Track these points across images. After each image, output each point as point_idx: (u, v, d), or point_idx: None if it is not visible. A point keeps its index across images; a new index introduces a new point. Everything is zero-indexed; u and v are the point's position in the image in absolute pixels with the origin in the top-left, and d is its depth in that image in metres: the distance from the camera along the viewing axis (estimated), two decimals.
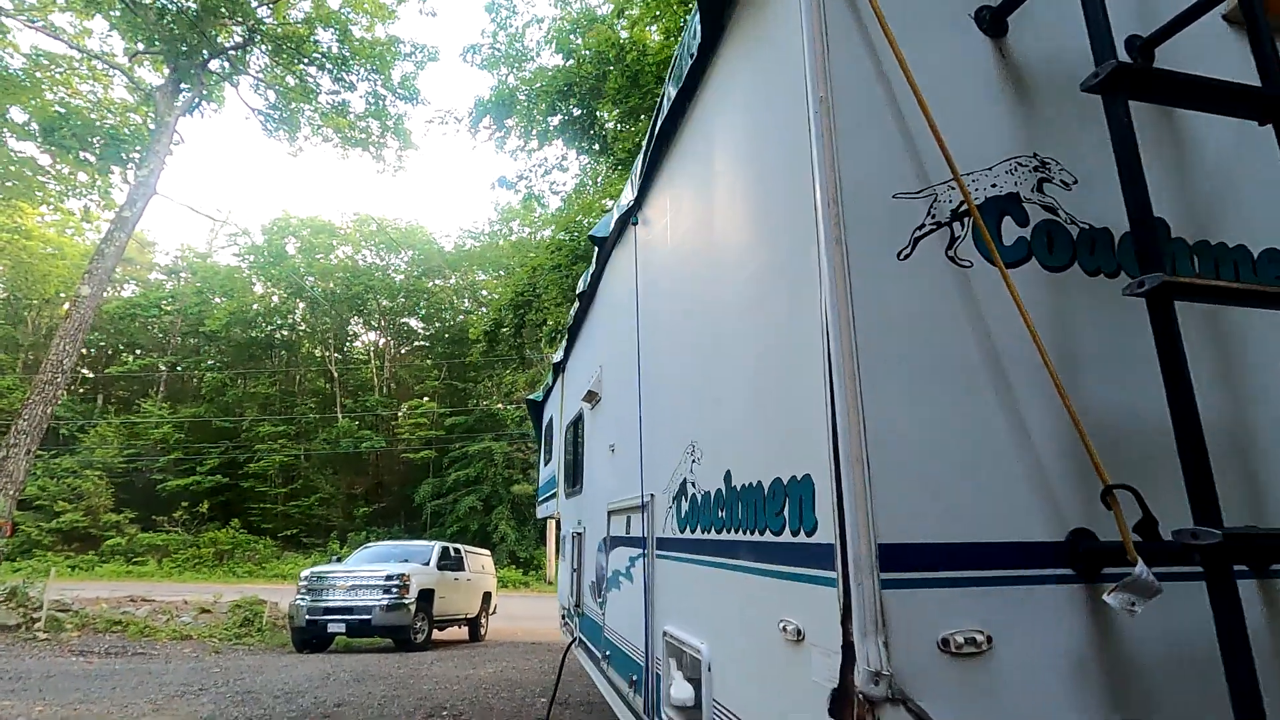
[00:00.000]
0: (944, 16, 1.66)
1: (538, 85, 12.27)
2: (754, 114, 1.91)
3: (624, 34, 12.59)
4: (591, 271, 4.50)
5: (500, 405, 34.99)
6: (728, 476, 1.92)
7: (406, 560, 13.09)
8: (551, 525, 27.17)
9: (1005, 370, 1.45)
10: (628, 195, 3.51)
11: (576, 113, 12.25)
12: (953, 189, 1.52)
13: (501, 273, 35.12)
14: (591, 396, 4.36)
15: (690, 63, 2.36)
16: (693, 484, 2.26)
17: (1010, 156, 1.59)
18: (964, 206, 1.52)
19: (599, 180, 16.85)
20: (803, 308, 1.50)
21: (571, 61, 11.59)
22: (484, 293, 39.07)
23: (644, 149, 3.16)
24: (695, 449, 2.24)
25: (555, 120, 12.26)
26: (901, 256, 1.46)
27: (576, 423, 5.28)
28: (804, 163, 1.53)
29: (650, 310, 3.00)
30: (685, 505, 2.33)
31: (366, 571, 11.93)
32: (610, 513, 3.64)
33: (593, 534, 4.27)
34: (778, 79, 1.72)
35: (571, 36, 12.79)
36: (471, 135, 14.84)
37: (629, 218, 3.52)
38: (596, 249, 4.29)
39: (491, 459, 31.58)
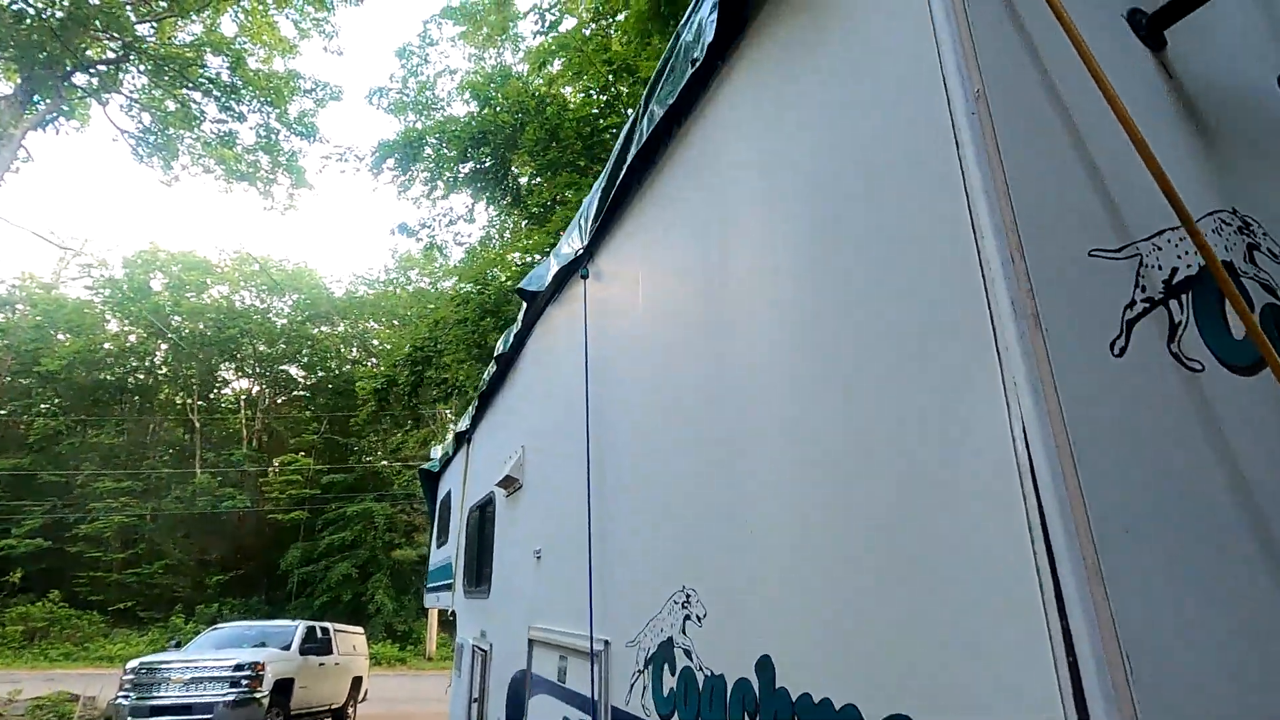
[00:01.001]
0: (1089, 10, 1.17)
1: (450, 130, 11.60)
2: (822, 129, 1.33)
3: (542, 86, 12.25)
4: (515, 332, 3.79)
5: (386, 463, 32.61)
6: (764, 668, 1.26)
7: (263, 644, 11.29)
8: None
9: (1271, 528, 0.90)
10: (572, 244, 2.88)
11: (489, 162, 11.64)
12: (1159, 249, 0.99)
13: (396, 322, 33.31)
14: (510, 483, 3.59)
15: (690, 72, 1.79)
16: (686, 652, 1.57)
17: (1211, 211, 1.09)
18: (1179, 274, 0.99)
19: (506, 234, 16.21)
20: (967, 421, 0.89)
21: (488, 109, 11.05)
22: (375, 342, 36.91)
23: (600, 188, 2.57)
24: (693, 601, 1.56)
25: (466, 168, 11.59)
26: (1117, 350, 0.90)
27: (485, 508, 4.45)
28: (943, 195, 0.95)
29: (611, 389, 2.34)
30: (670, 680, 1.62)
31: (211, 661, 10.11)
32: (534, 641, 2.85)
33: (504, 658, 3.42)
34: (878, 74, 1.16)
35: (489, 86, 12.30)
36: (373, 176, 13.85)
37: (574, 269, 2.88)
38: (524, 305, 3.61)
39: (372, 521, 29.09)
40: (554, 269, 3.08)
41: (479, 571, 4.53)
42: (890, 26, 1.15)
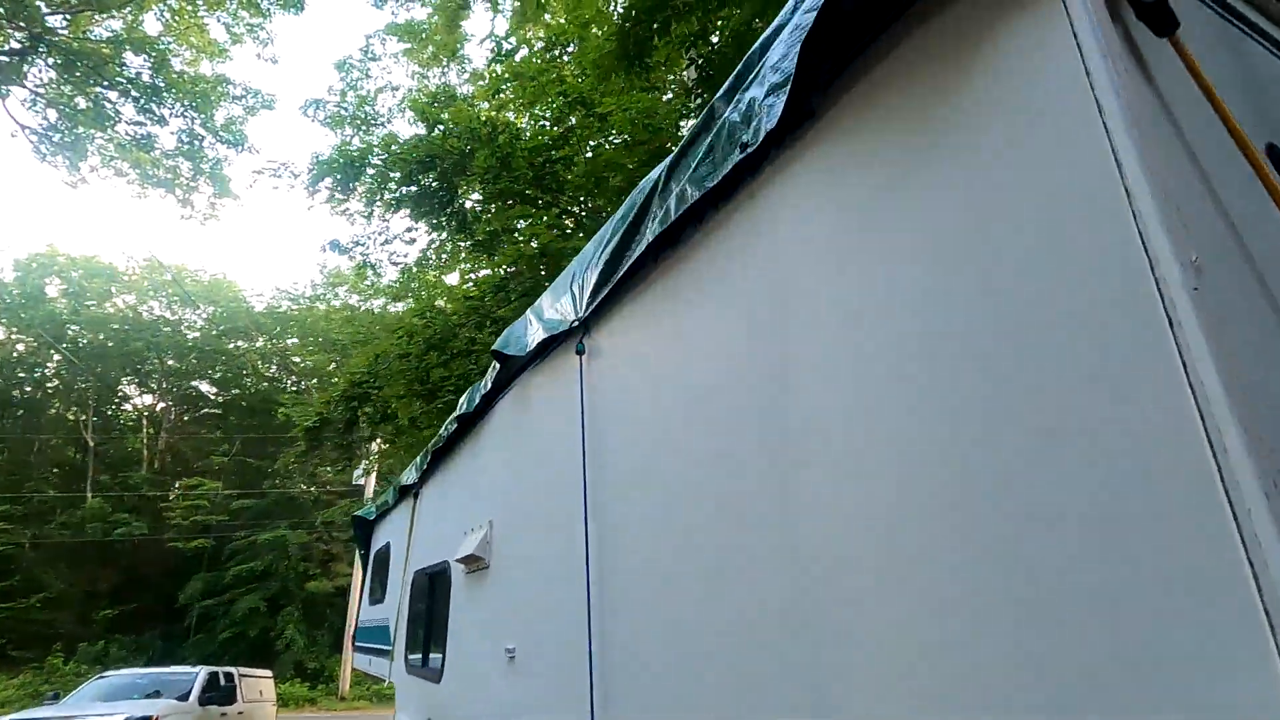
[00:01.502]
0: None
1: (395, 150, 11.13)
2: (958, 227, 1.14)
3: (492, 112, 11.97)
4: (483, 393, 3.49)
5: (304, 487, 30.86)
6: None
7: (157, 693, 10.22)
8: (349, 630, 23.75)
9: None
10: (561, 311, 2.64)
11: (435, 186, 11.22)
12: None
13: (321, 339, 31.78)
14: (474, 561, 3.26)
15: (740, 157, 1.61)
16: None
17: None
18: None
19: (444, 257, 15.68)
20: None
21: (437, 132, 10.65)
22: (296, 359, 35.11)
23: (603, 259, 2.35)
24: None
25: (411, 190, 11.11)
26: None
27: (437, 578, 4.08)
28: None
29: (615, 480, 2.10)
30: None
31: (96, 716, 9.04)
32: None
33: None
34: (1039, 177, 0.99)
35: (435, 107, 11.92)
36: (309, 195, 13.15)
37: (563, 339, 2.64)
38: (495, 366, 3.32)
39: (285, 550, 27.36)
40: (537, 334, 2.82)
41: (426, 648, 4.14)
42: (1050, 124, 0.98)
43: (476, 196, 11.40)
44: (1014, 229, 1.05)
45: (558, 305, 2.72)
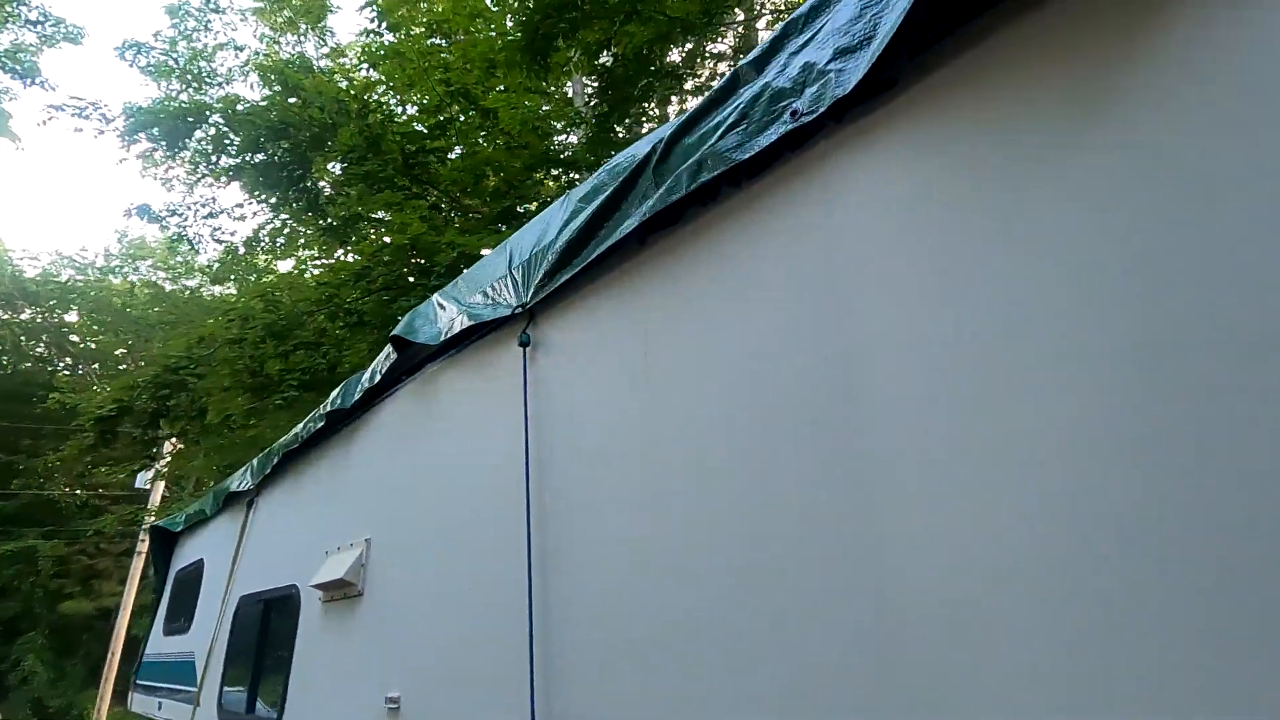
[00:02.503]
0: None
1: (241, 114, 9.81)
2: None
3: (360, 88, 10.99)
4: (367, 386, 2.96)
5: (68, 490, 26.18)
6: None
7: None
8: (113, 660, 20.28)
9: None
10: (496, 296, 2.26)
11: (286, 158, 10.01)
12: None
13: (111, 318, 27.37)
14: (340, 587, 2.70)
15: (790, 126, 1.38)
16: None
17: None
18: None
19: (279, 241, 14.10)
20: None
21: (296, 101, 9.51)
22: (75, 338, 29.97)
23: (556, 232, 2.04)
24: None
25: (257, 158, 9.82)
26: None
27: (278, 606, 3.39)
28: None
29: (571, 493, 1.75)
30: None
31: None
32: None
33: None
34: None
35: (295, 72, 10.73)
36: (124, 147, 11.23)
37: (496, 328, 2.26)
38: (391, 354, 2.82)
39: (34, 564, 22.98)
40: (457, 321, 2.40)
41: (254, 691, 3.42)
42: None
43: (336, 175, 10.35)
44: (1170, 225, 0.90)
45: (488, 290, 2.32)
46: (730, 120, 1.56)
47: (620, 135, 8.96)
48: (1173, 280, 0.90)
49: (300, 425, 3.61)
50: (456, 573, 2.14)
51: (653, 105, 10.78)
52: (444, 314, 2.55)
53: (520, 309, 2.14)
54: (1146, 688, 0.84)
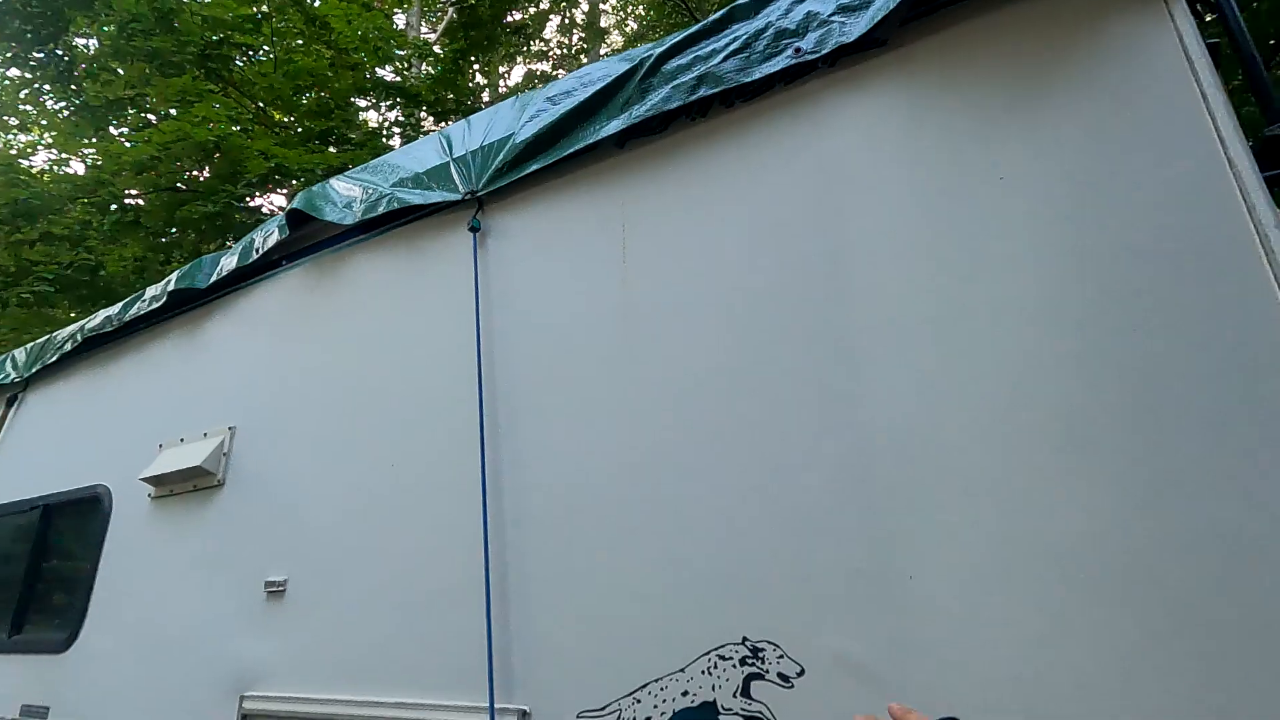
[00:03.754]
0: None
1: None
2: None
3: None
4: (233, 266, 2.68)
5: None
6: None
7: None
8: None
9: None
10: (434, 182, 2.24)
11: (35, 8, 8.11)
12: None
13: None
14: (191, 478, 2.44)
15: (790, 63, 1.64)
16: None
17: None
18: None
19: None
20: None
21: None
22: None
23: (518, 123, 2.11)
24: (767, 656, 1.31)
25: None
26: None
27: (70, 512, 2.91)
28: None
29: (527, 402, 1.84)
30: None
31: None
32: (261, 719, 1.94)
33: None
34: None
35: None
36: None
37: (433, 213, 2.24)
38: (275, 232, 2.59)
39: None
40: (381, 202, 2.31)
41: (21, 609, 2.90)
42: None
43: (102, 47, 8.61)
44: (1111, 180, 1.30)
45: (419, 178, 2.28)
46: (732, 48, 1.77)
47: (475, 80, 8.64)
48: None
49: (114, 309, 3.11)
50: (369, 456, 2.09)
51: (498, 58, 10.48)
52: (353, 195, 2.43)
53: (470, 195, 2.14)
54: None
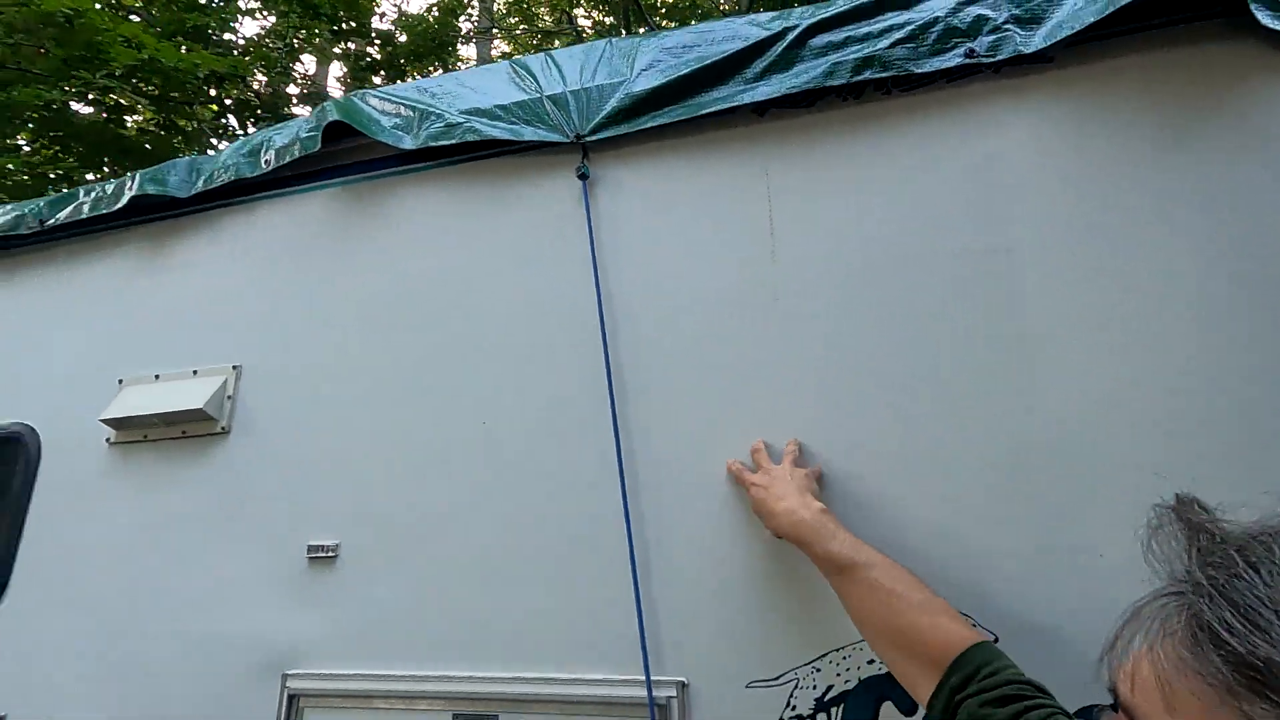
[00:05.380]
0: None
1: None
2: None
3: None
4: (227, 177, 2.26)
5: None
6: None
7: None
8: None
9: None
10: (526, 117, 2.05)
11: None
12: None
13: None
14: (183, 422, 2.05)
15: (961, 61, 1.71)
16: None
17: None
18: None
19: None
20: None
21: None
22: None
23: (630, 75, 2.02)
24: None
25: None
26: None
27: None
28: None
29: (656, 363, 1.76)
30: None
31: None
32: (301, 695, 1.72)
33: None
34: None
35: None
36: None
37: (523, 152, 2.05)
38: (313, 137, 2.22)
39: None
40: (458, 130, 2.07)
41: None
42: None
43: None
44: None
45: (513, 109, 2.07)
46: (898, 35, 1.79)
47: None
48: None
49: (31, 205, 2.49)
50: (452, 412, 1.89)
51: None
52: (408, 116, 2.16)
53: (576, 139, 1.99)
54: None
